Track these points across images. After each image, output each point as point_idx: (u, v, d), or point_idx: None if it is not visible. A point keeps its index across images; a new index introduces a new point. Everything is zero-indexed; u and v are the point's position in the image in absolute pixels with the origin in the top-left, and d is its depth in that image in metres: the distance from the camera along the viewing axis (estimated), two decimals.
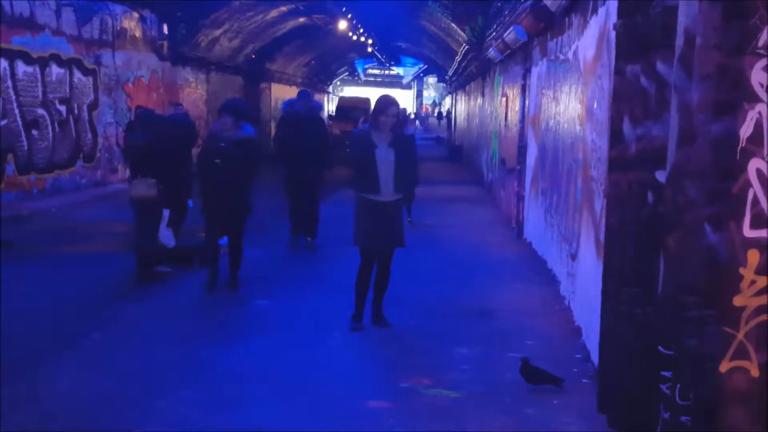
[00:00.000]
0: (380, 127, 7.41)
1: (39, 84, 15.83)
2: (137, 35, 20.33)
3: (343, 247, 7.88)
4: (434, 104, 75.44)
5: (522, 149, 13.03)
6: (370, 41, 38.18)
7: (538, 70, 11.69)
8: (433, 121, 66.33)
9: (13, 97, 14.80)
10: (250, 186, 8.94)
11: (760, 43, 3.73)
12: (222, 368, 6.45)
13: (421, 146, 24.43)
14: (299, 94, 12.23)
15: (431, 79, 70.21)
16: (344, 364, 6.66)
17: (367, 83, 66.41)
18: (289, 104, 12.04)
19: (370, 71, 67.03)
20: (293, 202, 11.62)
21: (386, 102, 7.50)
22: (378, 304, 7.69)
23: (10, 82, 14.70)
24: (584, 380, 6.24)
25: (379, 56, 50.44)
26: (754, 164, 3.79)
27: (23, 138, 15.32)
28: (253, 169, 8.94)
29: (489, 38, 19.02)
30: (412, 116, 32.08)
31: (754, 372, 3.95)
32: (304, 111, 11.53)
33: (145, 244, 9.35)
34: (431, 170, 24.05)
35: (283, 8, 26.62)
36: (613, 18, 5.63)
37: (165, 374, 6.32)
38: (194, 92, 24.90)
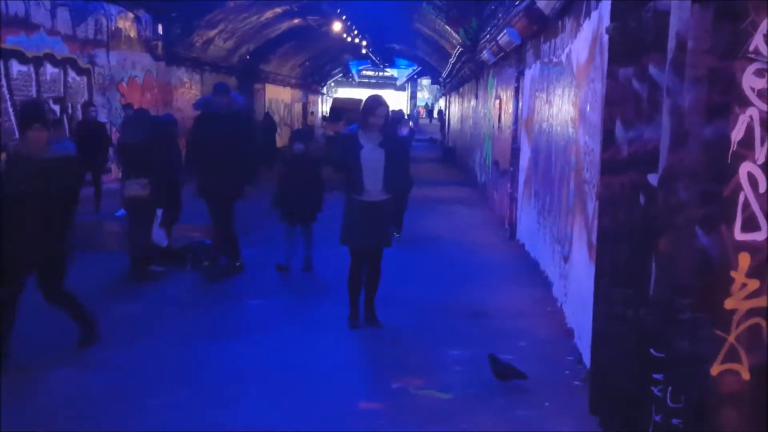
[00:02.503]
0: (369, 127, 7.44)
1: (33, 83, 15.79)
2: (132, 35, 20.30)
3: (334, 247, 7.88)
4: (426, 107, 75.59)
5: (515, 151, 13.05)
6: (364, 43, 38.23)
7: (531, 72, 11.72)
8: (424, 120, 66.48)
9: (7, 96, 14.76)
10: (67, 224, 6.67)
11: (751, 47, 3.75)
12: (214, 368, 6.45)
13: (414, 147, 24.45)
14: (215, 87, 10.05)
15: (425, 81, 70.23)
16: (336, 364, 6.67)
17: (361, 85, 66.38)
18: (204, 102, 10.24)
19: (364, 73, 67.03)
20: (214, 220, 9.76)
21: (375, 102, 7.53)
22: (370, 303, 7.73)
23: (4, 81, 14.65)
24: (576, 382, 6.26)
25: (374, 58, 50.48)
26: (745, 168, 3.81)
27: (17, 137, 15.28)
28: (72, 200, 6.70)
29: (483, 41, 19.04)
30: (406, 117, 32.23)
31: (745, 375, 3.97)
32: (223, 108, 9.55)
33: (139, 243, 9.35)
34: (425, 171, 24.06)
35: (278, 9, 26.61)
36: (606, 21, 5.65)
37: (158, 373, 6.32)
38: (188, 92, 24.86)
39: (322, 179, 9.85)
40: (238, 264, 9.84)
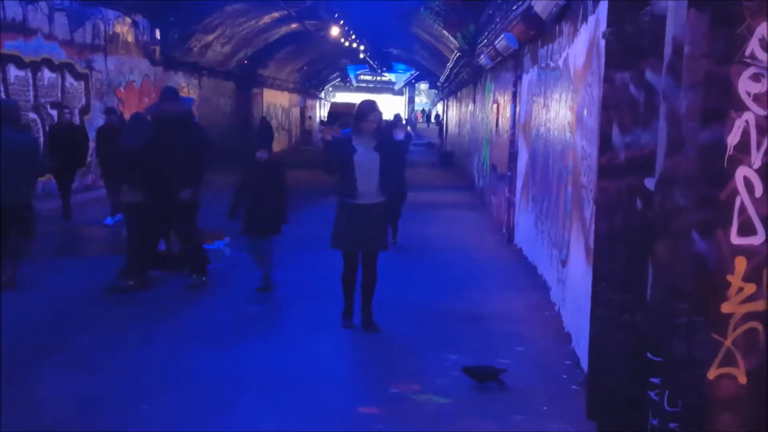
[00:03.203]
0: (362, 132, 7.50)
1: (31, 88, 15.81)
2: (129, 40, 20.33)
3: (330, 250, 7.90)
4: (423, 112, 75.80)
5: (513, 156, 13.08)
6: (362, 47, 38.31)
7: (528, 77, 11.74)
8: (421, 125, 66.69)
9: None
10: None
11: (747, 52, 3.76)
12: (210, 372, 6.45)
13: (413, 152, 24.48)
14: (163, 92, 9.67)
15: (423, 86, 70.35)
16: (334, 369, 6.67)
17: (359, 89, 66.49)
18: (153, 108, 9.84)
19: (362, 77, 67.15)
20: (141, 234, 9.16)
21: (368, 107, 7.63)
22: (367, 309, 7.74)
23: (1, 86, 14.67)
24: (574, 386, 6.26)
25: (371, 62, 50.59)
26: (741, 172, 3.82)
27: None
28: None
29: (480, 45, 19.09)
30: (404, 122, 32.25)
31: (742, 379, 3.97)
32: (170, 113, 9.11)
33: (136, 248, 9.34)
34: (423, 176, 24.10)
35: (276, 14, 26.66)
36: (603, 26, 5.67)
37: (154, 378, 6.31)
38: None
39: (287, 189, 9.27)
40: (130, 283, 8.94)
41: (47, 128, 16.33)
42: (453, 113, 34.49)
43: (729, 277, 3.90)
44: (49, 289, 9.09)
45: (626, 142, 4.83)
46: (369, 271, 7.70)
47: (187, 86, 25.05)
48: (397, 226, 12.26)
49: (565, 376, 6.51)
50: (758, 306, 3.92)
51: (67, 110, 15.78)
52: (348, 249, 7.64)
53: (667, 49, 3.97)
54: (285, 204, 9.19)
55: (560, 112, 8.56)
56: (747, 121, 3.81)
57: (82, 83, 18.04)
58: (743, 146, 3.82)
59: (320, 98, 56.96)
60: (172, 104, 9.25)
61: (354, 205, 7.48)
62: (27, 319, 7.82)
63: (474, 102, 22.64)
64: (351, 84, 67.00)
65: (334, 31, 30.93)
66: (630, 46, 4.79)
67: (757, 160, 3.83)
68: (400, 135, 13.47)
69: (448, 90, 35.92)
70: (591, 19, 6.98)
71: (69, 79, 17.38)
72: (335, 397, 5.98)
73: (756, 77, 3.78)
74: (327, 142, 7.86)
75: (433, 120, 65.18)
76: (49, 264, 10.55)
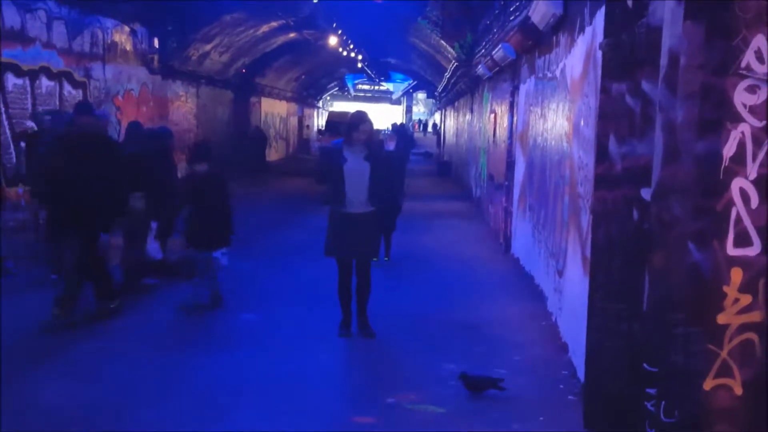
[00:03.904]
0: (353, 141, 7.59)
1: (28, 96, 15.80)
2: (128, 49, 20.34)
3: (326, 259, 7.91)
4: (419, 122, 75.94)
5: (510, 165, 13.09)
6: (360, 57, 38.32)
7: (526, 87, 11.76)
8: (418, 134, 66.80)
9: (2, 109, 14.77)
10: None
11: (743, 64, 3.78)
12: (208, 381, 6.45)
13: (411, 161, 24.46)
14: (76, 107, 8.86)
15: (421, 95, 70.39)
16: (330, 378, 6.67)
17: (357, 98, 66.53)
18: (59, 121, 9.05)
19: (360, 86, 67.18)
20: (60, 265, 8.37)
21: (359, 119, 7.74)
22: (362, 313, 7.85)
23: None
24: (571, 396, 6.26)
25: (369, 72, 50.63)
26: (737, 183, 3.84)
27: (11, 150, 15.29)
28: None
29: (478, 55, 19.12)
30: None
31: (738, 390, 3.98)
32: (87, 129, 8.16)
33: (133, 256, 9.34)
34: (420, 185, 24.10)
35: (274, 24, 26.69)
36: (600, 37, 5.69)
37: (152, 385, 6.32)
38: (184, 106, 24.89)
39: (229, 201, 8.91)
40: (112, 306, 8.43)
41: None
42: (451, 123, 34.54)
43: (725, 288, 3.91)
44: (47, 298, 9.06)
45: (623, 152, 4.86)
46: (362, 277, 7.81)
47: (185, 95, 25.07)
48: (390, 241, 11.84)
49: (562, 386, 6.51)
50: (754, 317, 3.93)
51: (49, 117, 15.76)
52: (339, 256, 7.74)
53: (663, 61, 3.99)
54: (229, 216, 8.88)
55: (557, 122, 8.57)
56: (743, 133, 3.83)
57: (80, 92, 18.04)
58: (739, 157, 3.84)
59: (318, 107, 57.00)
60: (87, 120, 8.25)
61: (344, 214, 7.60)
62: (25, 328, 7.81)
63: (471, 112, 22.67)
64: (349, 93, 67.04)
65: (333, 40, 30.96)
66: (626, 56, 4.81)
67: (752, 171, 3.84)
68: (390, 146, 13.38)
69: (445, 99, 35.96)
70: (588, 29, 7.01)
71: (67, 88, 17.39)
72: (331, 407, 5.98)
73: (752, 89, 3.80)
74: (321, 150, 7.94)
75: (430, 129, 65.26)
76: (48, 272, 10.54)
